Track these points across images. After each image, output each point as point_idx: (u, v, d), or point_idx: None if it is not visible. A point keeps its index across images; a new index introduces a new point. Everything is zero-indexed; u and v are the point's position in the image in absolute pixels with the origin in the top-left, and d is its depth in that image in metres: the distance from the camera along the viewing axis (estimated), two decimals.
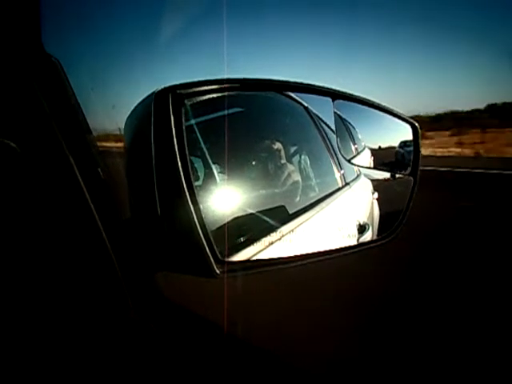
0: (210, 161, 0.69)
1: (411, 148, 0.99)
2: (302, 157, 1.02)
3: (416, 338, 1.28)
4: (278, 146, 0.85)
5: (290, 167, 0.88)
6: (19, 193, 0.51)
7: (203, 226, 0.56)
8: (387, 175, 1.18)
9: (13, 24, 0.53)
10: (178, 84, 0.58)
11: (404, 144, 1.05)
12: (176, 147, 0.54)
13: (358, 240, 0.94)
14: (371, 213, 1.15)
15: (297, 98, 1.01)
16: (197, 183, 0.61)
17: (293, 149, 0.99)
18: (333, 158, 1.16)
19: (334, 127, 0.97)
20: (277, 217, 0.76)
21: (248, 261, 0.65)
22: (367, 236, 0.97)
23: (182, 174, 0.54)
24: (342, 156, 1.10)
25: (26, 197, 0.52)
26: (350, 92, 0.83)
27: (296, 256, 0.70)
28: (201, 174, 0.68)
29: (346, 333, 1.26)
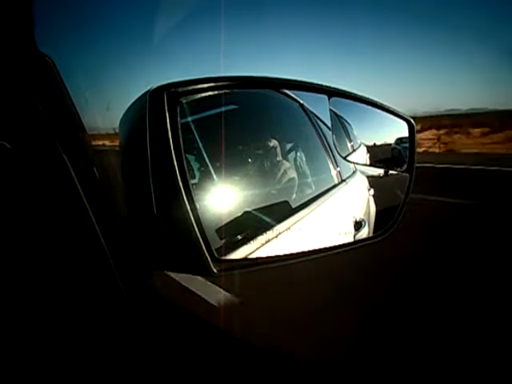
0: (205, 158, 0.69)
1: (407, 145, 1.00)
2: (298, 154, 1.01)
3: None
4: (273, 143, 0.85)
5: (286, 164, 0.88)
6: (13, 193, 0.51)
7: (199, 224, 0.56)
8: (383, 172, 1.19)
9: (5, 22, 0.52)
10: (172, 82, 0.57)
11: (400, 141, 1.05)
12: (171, 145, 0.54)
13: (354, 237, 0.94)
14: (367, 209, 1.15)
15: (292, 96, 1.01)
16: (193, 181, 0.61)
17: (288, 146, 0.99)
18: (329, 154, 1.16)
19: (329, 124, 0.97)
20: (273, 214, 0.76)
21: (245, 259, 0.65)
22: (364, 233, 0.97)
23: (177, 172, 0.54)
24: (338, 153, 1.10)
25: (21, 197, 0.51)
26: (346, 89, 0.83)
27: (293, 254, 0.70)
28: (197, 172, 0.67)
29: None
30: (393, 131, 1.05)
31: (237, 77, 0.67)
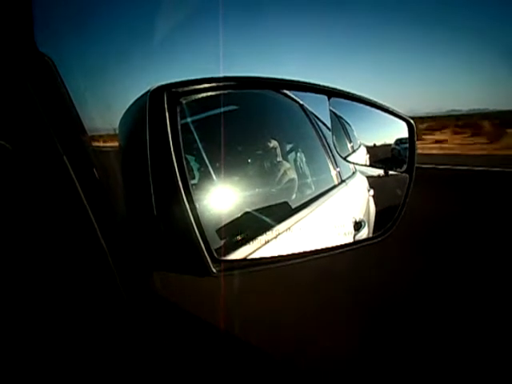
0: (205, 159, 0.69)
1: (406, 145, 1.00)
2: (298, 154, 1.01)
3: None
4: (273, 143, 0.85)
5: (286, 165, 0.88)
6: (13, 193, 0.51)
7: (199, 224, 0.56)
8: (383, 172, 1.19)
9: (5, 23, 0.52)
10: (172, 82, 0.57)
11: (400, 141, 1.05)
12: (171, 146, 0.54)
13: (354, 237, 0.94)
14: (367, 210, 1.15)
15: (292, 96, 1.01)
16: (192, 182, 0.61)
17: (288, 146, 0.99)
18: (329, 155, 1.16)
19: (329, 125, 0.97)
20: (273, 215, 0.76)
21: (244, 259, 0.65)
22: (363, 233, 0.97)
23: (177, 172, 0.54)
24: (338, 153, 1.10)
25: (21, 197, 0.51)
26: (346, 90, 0.83)
27: (292, 254, 0.70)
28: (196, 173, 0.67)
29: None
30: (393, 132, 1.05)
31: (237, 77, 0.67)
